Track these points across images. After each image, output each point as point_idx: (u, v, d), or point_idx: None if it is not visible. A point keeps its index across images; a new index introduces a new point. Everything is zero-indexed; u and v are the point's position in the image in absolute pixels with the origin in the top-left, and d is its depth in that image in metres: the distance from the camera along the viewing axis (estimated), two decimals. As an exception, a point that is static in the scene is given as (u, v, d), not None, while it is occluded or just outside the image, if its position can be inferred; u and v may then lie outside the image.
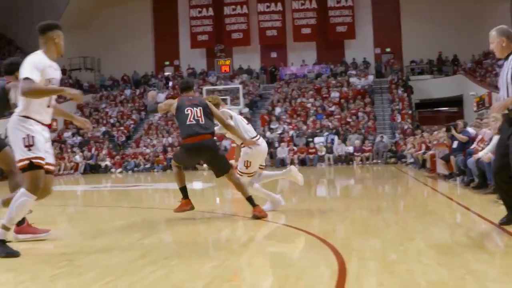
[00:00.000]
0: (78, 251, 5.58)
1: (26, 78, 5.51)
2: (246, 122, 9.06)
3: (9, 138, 5.71)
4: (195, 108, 8.26)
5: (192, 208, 8.51)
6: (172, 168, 8.72)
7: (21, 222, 6.37)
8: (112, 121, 38.46)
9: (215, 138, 8.52)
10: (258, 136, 9.09)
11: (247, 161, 8.83)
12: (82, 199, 13.68)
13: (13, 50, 42.62)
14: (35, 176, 5.58)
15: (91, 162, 32.73)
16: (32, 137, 5.55)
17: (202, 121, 8.21)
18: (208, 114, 8.31)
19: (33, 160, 5.54)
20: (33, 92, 5.57)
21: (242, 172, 8.76)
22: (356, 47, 41.99)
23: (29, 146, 5.54)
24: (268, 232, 7.28)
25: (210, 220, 8.64)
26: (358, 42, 42.05)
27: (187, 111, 8.24)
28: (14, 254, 5.46)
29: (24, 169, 5.58)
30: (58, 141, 34.19)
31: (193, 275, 4.61)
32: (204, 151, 8.27)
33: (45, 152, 5.71)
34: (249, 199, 8.27)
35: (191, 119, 8.20)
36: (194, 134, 8.13)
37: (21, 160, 5.56)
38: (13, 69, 7.08)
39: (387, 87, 38.34)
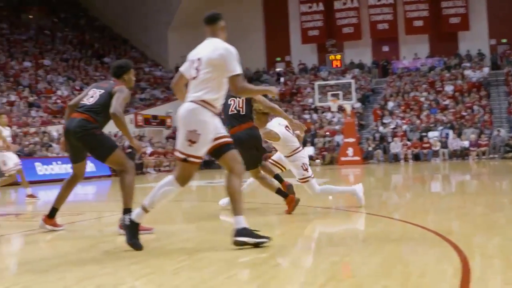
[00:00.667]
0: (196, 246, 5.67)
1: (240, 75, 5.45)
2: (292, 133, 8.82)
3: (178, 119, 5.58)
4: (237, 99, 8.25)
5: (298, 200, 8.45)
6: (258, 181, 8.70)
7: None
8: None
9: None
10: (301, 147, 8.93)
11: (304, 164, 8.71)
12: (196, 195, 13.93)
13: (128, 49, 44.03)
14: (188, 170, 5.62)
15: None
16: (198, 135, 5.42)
17: (243, 111, 8.23)
18: (250, 104, 8.29)
19: (188, 158, 5.52)
20: (246, 91, 5.67)
21: (304, 178, 8.64)
22: (470, 39, 40.73)
23: (191, 142, 5.45)
24: (385, 227, 7.19)
25: (324, 215, 8.64)
26: (472, 34, 40.76)
27: (230, 101, 8.25)
28: (137, 247, 5.54)
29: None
30: (172, 137, 34.85)
31: (314, 271, 4.62)
32: (250, 140, 8.16)
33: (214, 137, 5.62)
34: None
35: (233, 109, 8.24)
36: (237, 124, 8.18)
37: (178, 151, 5.55)
38: (121, 73, 7.07)
39: (504, 79, 37.04)
